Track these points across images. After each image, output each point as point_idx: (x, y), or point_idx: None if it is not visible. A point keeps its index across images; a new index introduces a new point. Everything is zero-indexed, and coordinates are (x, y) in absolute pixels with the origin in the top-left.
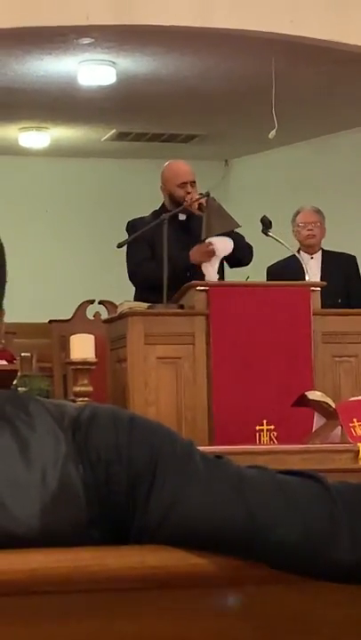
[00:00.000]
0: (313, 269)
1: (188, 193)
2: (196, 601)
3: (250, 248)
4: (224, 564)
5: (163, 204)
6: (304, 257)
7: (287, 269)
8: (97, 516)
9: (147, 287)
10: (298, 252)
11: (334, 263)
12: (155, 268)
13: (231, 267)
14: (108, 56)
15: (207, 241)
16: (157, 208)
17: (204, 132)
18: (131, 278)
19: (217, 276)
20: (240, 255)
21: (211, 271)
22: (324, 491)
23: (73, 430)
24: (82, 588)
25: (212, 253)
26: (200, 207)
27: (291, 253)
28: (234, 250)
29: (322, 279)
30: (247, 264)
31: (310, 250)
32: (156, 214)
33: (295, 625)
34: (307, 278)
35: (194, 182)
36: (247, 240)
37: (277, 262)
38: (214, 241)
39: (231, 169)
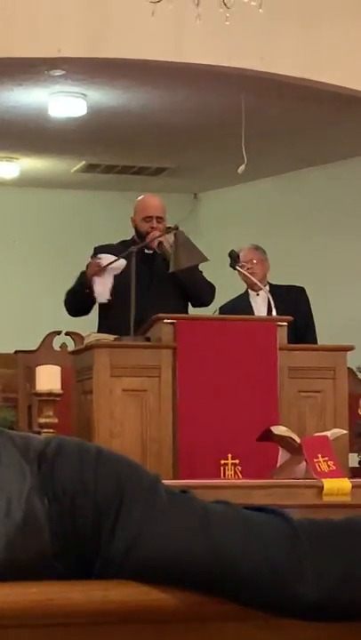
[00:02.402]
0: (259, 306)
1: (153, 228)
2: (160, 636)
3: (211, 287)
4: (187, 599)
5: (133, 237)
6: (250, 294)
7: (237, 308)
8: (62, 549)
9: (69, 310)
10: (247, 290)
11: (281, 297)
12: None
13: (194, 306)
14: (78, 88)
15: (98, 256)
16: (128, 238)
17: (173, 166)
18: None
19: (107, 293)
20: (199, 293)
21: (99, 289)
22: (288, 527)
23: (39, 463)
24: (45, 623)
25: (98, 266)
26: (159, 245)
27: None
28: (192, 287)
29: (269, 314)
30: (208, 303)
31: (255, 287)
32: (124, 244)
33: None
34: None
35: (161, 218)
36: (217, 271)
37: (228, 302)
38: (104, 257)
39: (200, 202)
